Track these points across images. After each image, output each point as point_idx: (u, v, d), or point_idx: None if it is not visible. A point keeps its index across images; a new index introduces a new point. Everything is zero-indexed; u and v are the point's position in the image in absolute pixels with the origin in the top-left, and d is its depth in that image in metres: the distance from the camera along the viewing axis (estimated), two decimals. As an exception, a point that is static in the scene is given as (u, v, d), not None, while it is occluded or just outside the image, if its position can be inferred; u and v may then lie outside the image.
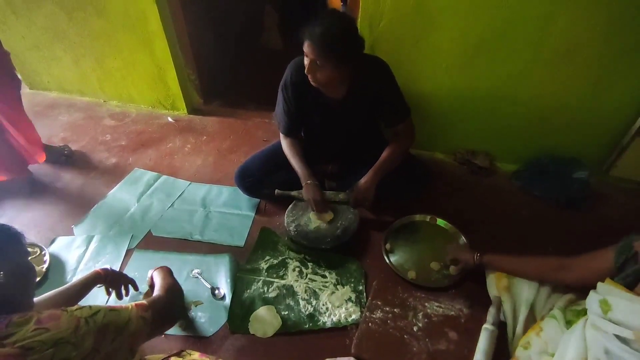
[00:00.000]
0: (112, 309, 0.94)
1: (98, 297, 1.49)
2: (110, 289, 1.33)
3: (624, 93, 1.72)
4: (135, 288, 1.38)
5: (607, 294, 1.00)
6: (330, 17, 1.40)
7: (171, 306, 1.25)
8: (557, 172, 1.92)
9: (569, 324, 1.13)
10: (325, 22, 1.37)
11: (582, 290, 1.16)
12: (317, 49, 1.37)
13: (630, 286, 0.98)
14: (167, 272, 1.38)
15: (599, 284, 1.04)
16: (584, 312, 1.10)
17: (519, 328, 1.28)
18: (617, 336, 0.93)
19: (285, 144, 1.76)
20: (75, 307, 0.89)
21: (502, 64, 1.77)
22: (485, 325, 1.31)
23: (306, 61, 1.45)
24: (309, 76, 1.47)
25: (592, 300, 1.03)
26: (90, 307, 0.90)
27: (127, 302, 1.49)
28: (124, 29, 2.25)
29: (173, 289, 1.28)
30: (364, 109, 1.65)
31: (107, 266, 1.33)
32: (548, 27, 1.63)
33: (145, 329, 1.01)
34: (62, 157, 2.22)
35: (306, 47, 1.40)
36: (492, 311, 1.35)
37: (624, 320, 0.93)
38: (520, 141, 2.02)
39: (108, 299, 1.51)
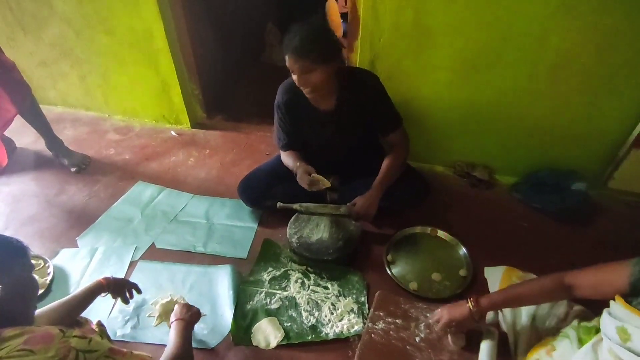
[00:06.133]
0: (109, 355, 0.87)
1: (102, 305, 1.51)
2: (115, 296, 1.33)
3: (619, 106, 1.76)
4: (139, 291, 1.38)
5: (626, 322, 0.91)
6: (299, 26, 1.43)
7: None
8: (556, 185, 1.94)
9: (580, 342, 1.10)
10: (297, 31, 1.40)
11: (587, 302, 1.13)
12: (299, 56, 1.39)
13: None
14: (187, 330, 1.22)
15: (615, 307, 0.96)
16: (594, 330, 1.08)
17: (522, 342, 1.28)
18: None
19: (284, 155, 1.78)
20: (76, 332, 0.85)
21: (500, 79, 1.81)
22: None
23: (294, 77, 1.46)
24: (303, 88, 1.47)
25: (609, 326, 0.95)
26: (90, 341, 0.85)
27: (131, 308, 1.52)
28: (130, 46, 2.31)
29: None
30: (356, 119, 1.67)
31: (109, 275, 1.33)
32: (543, 45, 1.67)
33: None
34: (82, 164, 2.28)
35: (289, 62, 1.42)
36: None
37: None
38: (519, 154, 2.05)
39: (114, 304, 1.52)
